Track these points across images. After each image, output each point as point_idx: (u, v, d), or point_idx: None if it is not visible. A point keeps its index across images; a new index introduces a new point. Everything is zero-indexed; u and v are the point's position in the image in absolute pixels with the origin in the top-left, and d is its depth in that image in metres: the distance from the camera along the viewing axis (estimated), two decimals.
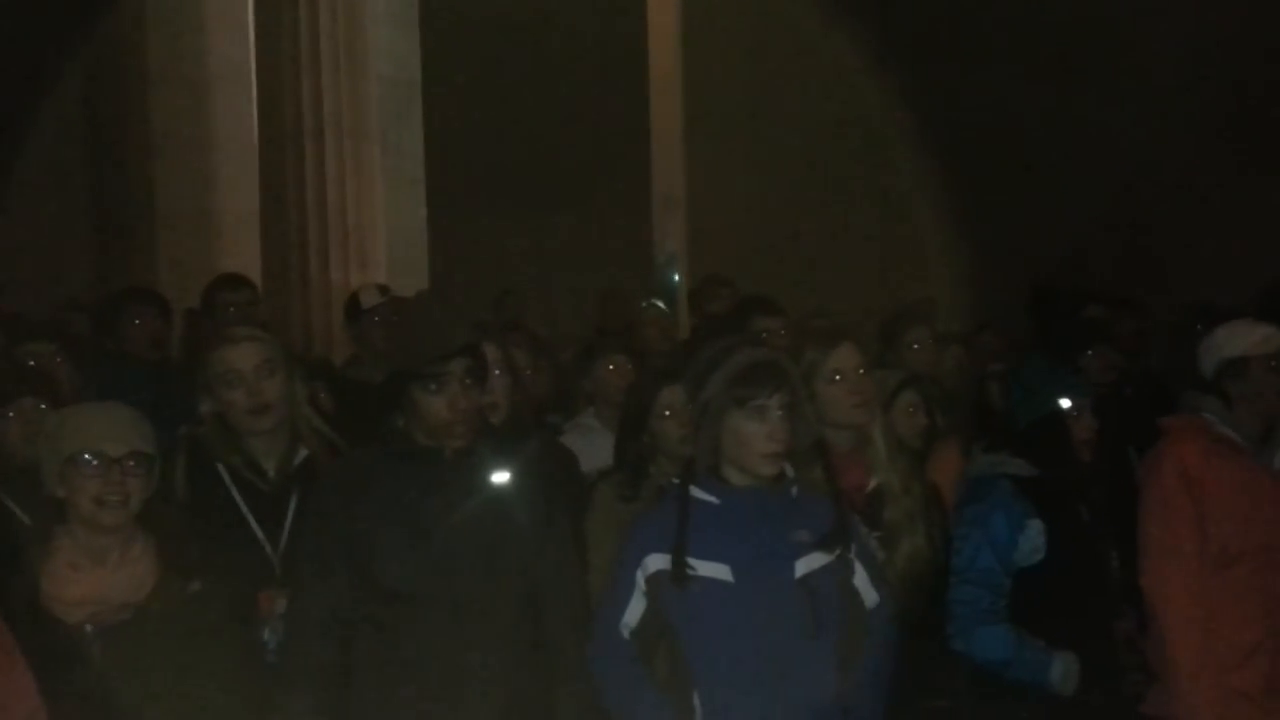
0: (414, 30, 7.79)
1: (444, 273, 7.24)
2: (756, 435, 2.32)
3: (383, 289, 4.58)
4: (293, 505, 2.60)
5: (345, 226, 8.03)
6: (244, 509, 2.59)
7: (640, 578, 2.35)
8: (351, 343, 4.45)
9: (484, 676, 2.31)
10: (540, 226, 6.97)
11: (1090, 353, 3.67)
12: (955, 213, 6.91)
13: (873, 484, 2.81)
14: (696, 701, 2.32)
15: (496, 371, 2.93)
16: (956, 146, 6.78)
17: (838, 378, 2.79)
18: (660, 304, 4.86)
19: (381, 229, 8.27)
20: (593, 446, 3.45)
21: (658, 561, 2.33)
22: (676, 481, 2.46)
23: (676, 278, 9.35)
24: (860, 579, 2.42)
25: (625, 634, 2.37)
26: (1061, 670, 2.69)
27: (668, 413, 2.99)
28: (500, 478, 2.38)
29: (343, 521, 2.32)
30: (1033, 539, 2.74)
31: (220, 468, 2.63)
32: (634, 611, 2.36)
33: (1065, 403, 2.78)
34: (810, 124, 7.75)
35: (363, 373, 3.96)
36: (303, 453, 2.70)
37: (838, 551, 2.36)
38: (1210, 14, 6.63)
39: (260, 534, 2.59)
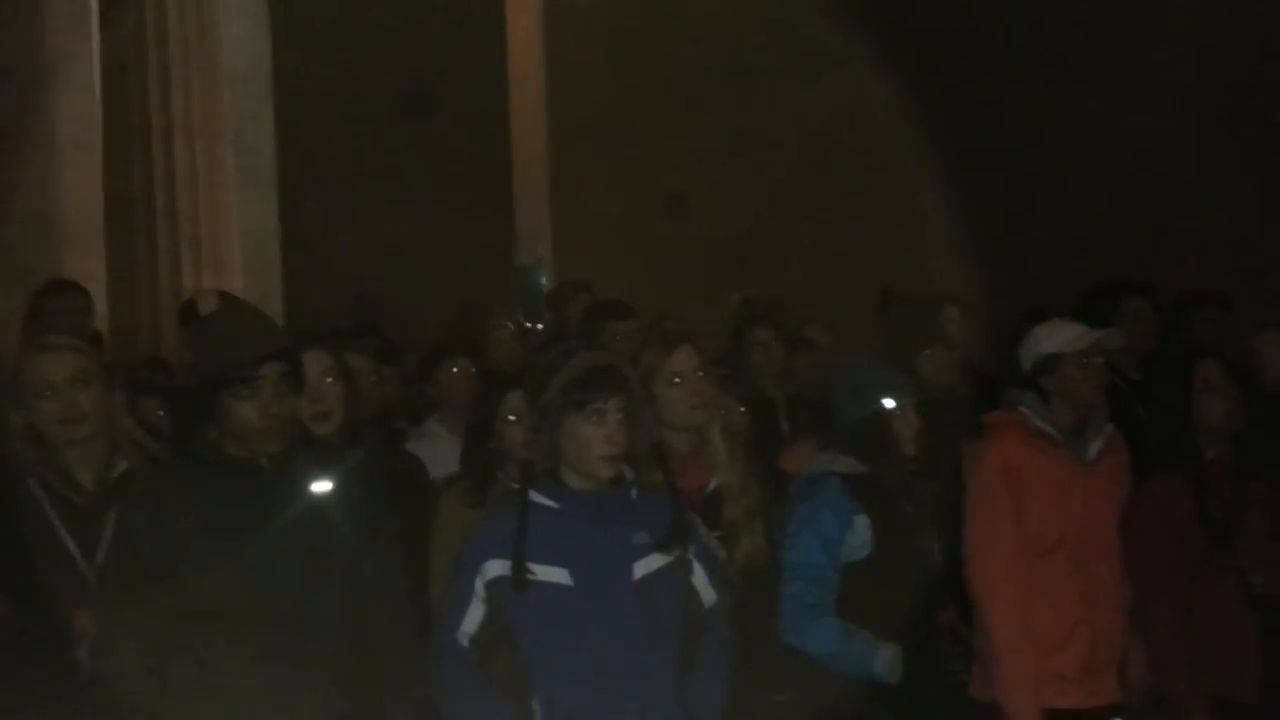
0: (266, 26, 7.57)
1: (299, 276, 7.06)
2: (594, 438, 2.32)
3: (223, 296, 4.41)
4: (110, 519, 2.50)
5: (197, 229, 7.74)
6: (56, 523, 2.49)
7: (479, 584, 2.33)
8: (186, 350, 4.29)
9: (311, 696, 2.25)
10: (399, 229, 6.86)
11: (926, 353, 3.80)
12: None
13: (713, 485, 2.86)
14: (536, 707, 2.31)
15: (329, 379, 2.88)
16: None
17: (676, 380, 2.84)
18: (510, 326, 4.76)
19: (235, 232, 8.00)
20: (438, 453, 3.41)
21: (497, 567, 2.31)
22: (517, 487, 2.46)
23: (544, 280, 9.32)
24: (699, 578, 2.44)
25: (464, 642, 2.34)
26: (886, 660, 2.78)
27: (512, 417, 2.98)
28: (321, 487, 2.33)
29: (152, 540, 2.23)
30: (860, 534, 2.82)
31: (31, 481, 2.52)
32: (473, 619, 2.34)
33: (889, 402, 2.88)
34: (669, 125, 7.79)
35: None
36: (122, 465, 2.61)
37: (676, 552, 2.38)
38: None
39: (74, 549, 2.49)
